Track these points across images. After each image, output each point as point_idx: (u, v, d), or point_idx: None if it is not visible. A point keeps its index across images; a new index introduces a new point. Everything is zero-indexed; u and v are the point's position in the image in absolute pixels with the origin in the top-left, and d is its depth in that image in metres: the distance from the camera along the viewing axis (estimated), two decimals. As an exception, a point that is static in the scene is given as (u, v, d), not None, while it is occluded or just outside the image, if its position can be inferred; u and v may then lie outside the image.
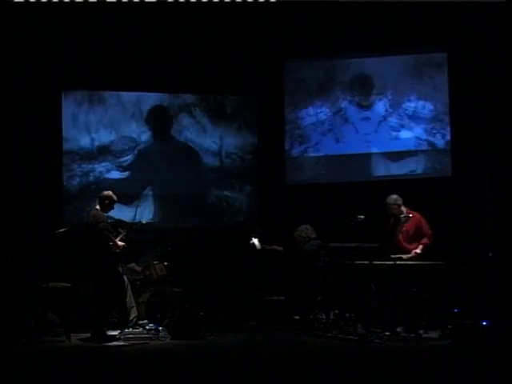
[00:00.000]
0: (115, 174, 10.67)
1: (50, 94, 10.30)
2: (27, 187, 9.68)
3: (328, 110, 10.89)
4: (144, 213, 10.66)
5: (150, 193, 10.81)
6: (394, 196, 8.74)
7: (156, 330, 8.52)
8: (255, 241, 9.66)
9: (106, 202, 8.55)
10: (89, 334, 8.34)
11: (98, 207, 8.54)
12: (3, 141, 8.10)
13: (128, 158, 10.75)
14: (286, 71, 11.03)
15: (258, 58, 10.73)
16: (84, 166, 10.56)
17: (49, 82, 10.19)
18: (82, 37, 10.10)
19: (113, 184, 10.37)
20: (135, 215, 10.61)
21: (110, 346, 7.94)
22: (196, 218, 10.91)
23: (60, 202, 10.43)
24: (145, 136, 10.85)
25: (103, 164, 10.63)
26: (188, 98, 11.03)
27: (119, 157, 10.71)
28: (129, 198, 10.61)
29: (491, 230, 9.07)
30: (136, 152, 10.77)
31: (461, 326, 7.78)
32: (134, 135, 10.79)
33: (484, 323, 7.70)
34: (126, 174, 10.73)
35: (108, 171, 10.64)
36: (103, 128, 10.67)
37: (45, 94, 10.19)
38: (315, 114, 10.92)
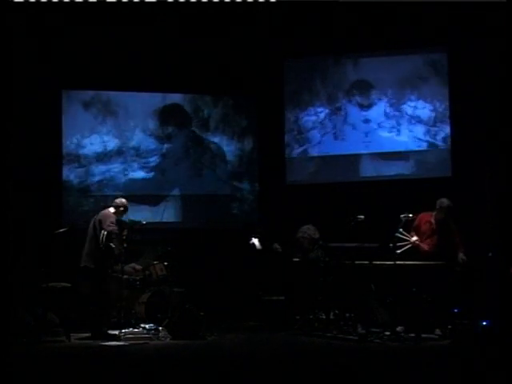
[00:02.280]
0: (114, 175, 10.68)
1: (50, 94, 10.29)
2: (27, 187, 9.68)
3: (328, 110, 10.89)
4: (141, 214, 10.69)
5: (153, 193, 10.82)
6: None
7: (156, 329, 8.52)
8: (255, 241, 9.66)
9: (121, 209, 8.82)
10: (89, 334, 8.34)
11: (111, 209, 8.64)
12: (3, 141, 8.10)
13: (132, 159, 10.76)
14: (285, 71, 11.03)
15: (258, 57, 10.73)
16: (84, 165, 10.56)
17: (49, 81, 10.18)
18: (82, 37, 10.09)
19: (115, 184, 10.53)
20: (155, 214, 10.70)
21: (110, 345, 7.94)
22: (196, 218, 10.92)
23: (60, 202, 10.43)
24: (146, 135, 10.85)
25: (104, 164, 10.62)
26: (188, 97, 11.03)
27: (121, 158, 10.72)
28: (131, 198, 10.64)
29: (491, 229, 9.07)
30: (140, 152, 10.79)
31: (461, 325, 7.78)
32: (134, 135, 10.80)
33: (484, 323, 7.70)
34: (125, 174, 10.73)
35: (107, 171, 10.64)
36: (105, 129, 10.67)
37: (45, 94, 10.19)
38: (315, 113, 10.92)
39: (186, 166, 10.97)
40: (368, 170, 10.70)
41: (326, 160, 10.86)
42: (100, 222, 8.53)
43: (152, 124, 10.89)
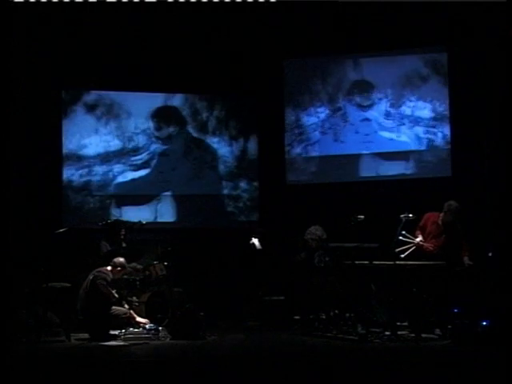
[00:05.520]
0: (114, 175, 10.69)
1: (50, 94, 10.29)
2: (27, 187, 9.67)
3: (328, 110, 10.89)
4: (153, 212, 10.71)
5: (153, 193, 10.82)
6: None
7: (156, 329, 8.51)
8: (255, 241, 9.66)
9: (118, 268, 8.61)
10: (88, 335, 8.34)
11: (108, 268, 8.57)
12: (3, 141, 8.10)
13: (133, 159, 10.78)
14: (285, 71, 11.04)
15: (258, 57, 10.73)
16: (84, 166, 10.56)
17: (49, 81, 10.18)
18: (82, 37, 10.10)
19: (115, 184, 10.53)
20: (155, 214, 10.70)
21: (110, 345, 7.94)
22: (196, 218, 10.92)
23: (60, 202, 10.43)
24: (146, 136, 10.86)
25: (104, 165, 10.63)
26: (188, 97, 11.03)
27: (121, 158, 10.73)
28: (131, 198, 10.66)
29: (491, 229, 9.07)
30: (140, 152, 10.79)
31: (461, 325, 7.78)
32: (134, 135, 10.80)
33: (484, 323, 7.70)
34: (124, 174, 10.74)
35: (108, 172, 10.65)
36: (105, 129, 10.67)
37: (45, 94, 10.19)
38: (315, 113, 10.92)
39: (186, 167, 10.97)
40: (368, 170, 10.70)
41: (326, 160, 10.86)
42: (94, 279, 8.38)
43: (152, 125, 10.90)
